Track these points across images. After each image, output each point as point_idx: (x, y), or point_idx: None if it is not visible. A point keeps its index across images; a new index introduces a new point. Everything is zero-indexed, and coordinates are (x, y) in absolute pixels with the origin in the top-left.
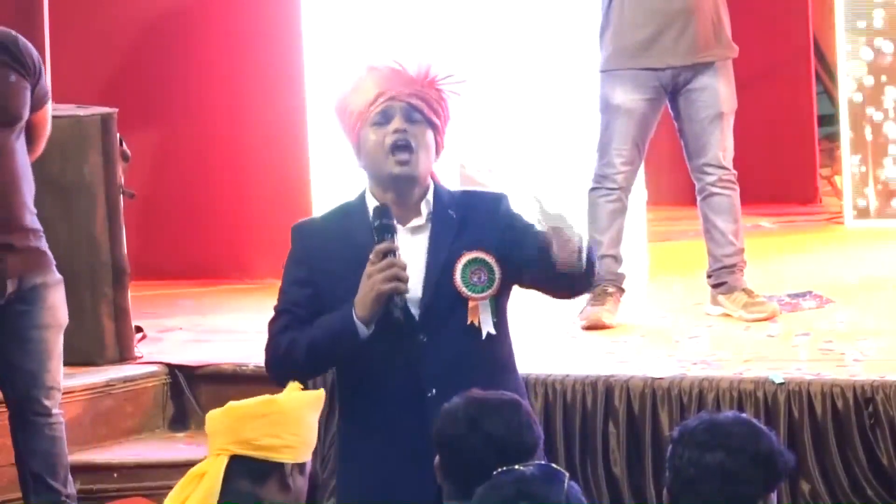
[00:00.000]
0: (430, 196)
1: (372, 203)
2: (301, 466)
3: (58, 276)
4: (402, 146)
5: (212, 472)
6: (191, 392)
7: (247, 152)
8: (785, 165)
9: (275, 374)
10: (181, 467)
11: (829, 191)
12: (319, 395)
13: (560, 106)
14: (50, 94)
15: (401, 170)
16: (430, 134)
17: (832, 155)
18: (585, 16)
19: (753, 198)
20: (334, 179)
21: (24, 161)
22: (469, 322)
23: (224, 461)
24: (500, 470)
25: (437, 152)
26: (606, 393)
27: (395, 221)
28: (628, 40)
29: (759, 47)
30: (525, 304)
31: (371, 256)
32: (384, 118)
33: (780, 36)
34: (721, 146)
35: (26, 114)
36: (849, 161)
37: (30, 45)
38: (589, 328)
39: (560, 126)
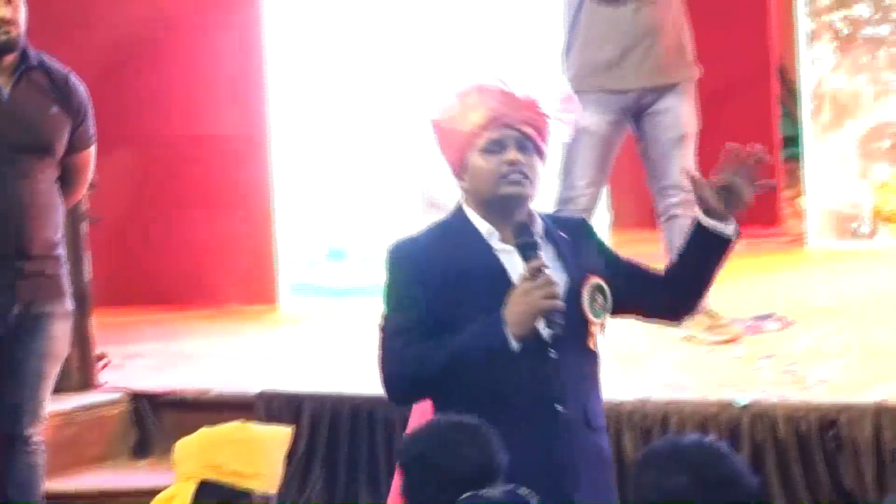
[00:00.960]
0: (535, 218)
1: (480, 222)
2: (267, 499)
3: (68, 307)
4: (518, 175)
5: (181, 497)
6: (154, 419)
7: (210, 179)
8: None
9: (399, 391)
10: (144, 495)
11: (792, 213)
12: (288, 431)
13: None
14: (94, 139)
15: (512, 189)
16: (539, 163)
17: (794, 176)
18: (548, 35)
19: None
20: (297, 206)
21: (50, 191)
22: (587, 345)
23: (193, 486)
24: (467, 495)
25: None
26: None
27: (537, 239)
28: (592, 61)
29: (721, 68)
30: None
31: (524, 273)
32: (498, 146)
33: (742, 56)
34: (683, 168)
35: (60, 149)
36: (811, 183)
37: (81, 86)
38: None
39: None
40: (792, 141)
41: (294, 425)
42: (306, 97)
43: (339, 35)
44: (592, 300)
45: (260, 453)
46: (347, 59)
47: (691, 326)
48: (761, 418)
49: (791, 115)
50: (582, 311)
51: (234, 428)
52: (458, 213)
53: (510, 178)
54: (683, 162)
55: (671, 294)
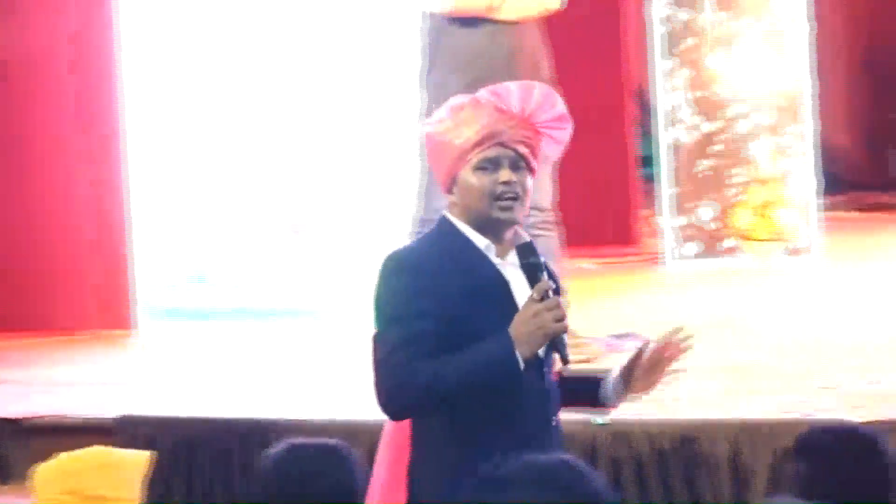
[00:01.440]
0: (520, 234)
1: (477, 237)
2: None
3: None
4: (510, 197)
5: None
6: (13, 444)
7: (66, 206)
8: (605, 206)
9: (404, 403)
10: None
11: (650, 231)
12: (147, 456)
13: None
14: None
15: (506, 216)
16: (530, 179)
17: (651, 196)
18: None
19: (574, 239)
20: (152, 233)
21: None
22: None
23: None
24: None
25: None
26: None
27: (538, 257)
28: (450, 85)
29: (578, 91)
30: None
31: (534, 295)
32: (491, 165)
33: (599, 80)
34: (541, 188)
35: None
36: (668, 202)
37: None
38: None
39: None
40: (648, 161)
41: (153, 450)
42: (167, 110)
43: (201, 51)
44: None
45: (119, 478)
46: (209, 75)
47: None
48: (620, 436)
49: (648, 136)
50: None
51: (93, 453)
52: (448, 226)
53: (503, 203)
54: (540, 182)
55: None
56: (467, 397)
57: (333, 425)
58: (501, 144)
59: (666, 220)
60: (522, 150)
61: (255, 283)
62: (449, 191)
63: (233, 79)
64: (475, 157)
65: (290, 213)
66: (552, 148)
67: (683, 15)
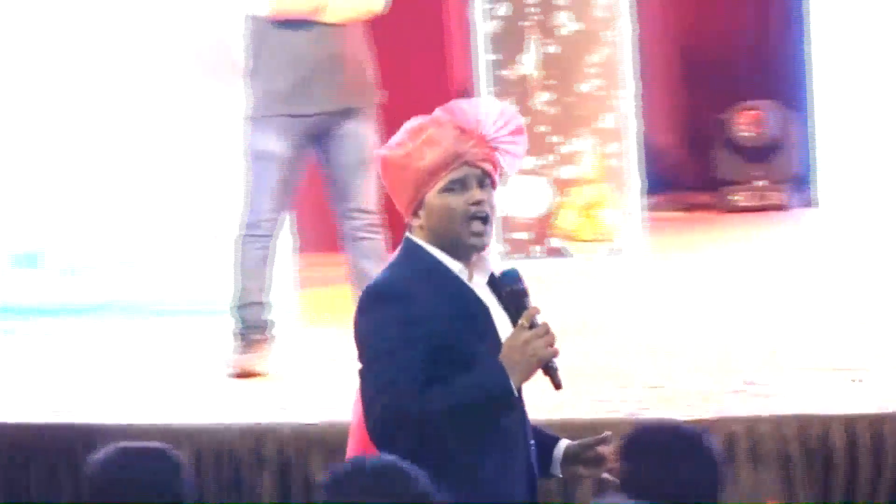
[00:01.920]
0: (488, 257)
1: (444, 258)
2: None
3: None
4: (481, 218)
5: None
6: None
7: None
8: None
9: (394, 435)
10: None
11: None
12: None
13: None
14: None
15: (478, 241)
16: (496, 197)
17: None
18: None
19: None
20: None
21: None
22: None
23: None
24: None
25: None
26: (257, 441)
27: (523, 284)
28: (276, 86)
29: (403, 92)
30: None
31: (523, 322)
32: (460, 186)
33: (423, 81)
34: (367, 191)
35: None
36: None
37: None
38: (239, 376)
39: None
40: None
41: None
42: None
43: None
44: None
45: None
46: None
47: None
48: None
49: None
50: None
51: None
52: (418, 251)
53: (475, 225)
54: (367, 185)
55: None
56: (462, 424)
57: (156, 429)
58: (467, 164)
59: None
60: (487, 167)
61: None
62: (414, 214)
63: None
64: (442, 180)
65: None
66: (510, 163)
67: (504, 12)
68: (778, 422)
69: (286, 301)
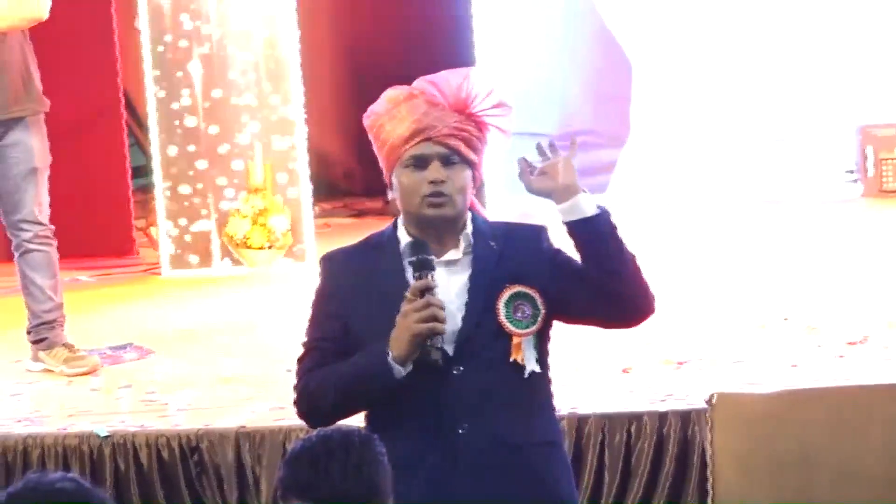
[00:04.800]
0: (468, 229)
1: (404, 236)
2: None
3: None
4: (436, 195)
5: None
6: None
7: None
8: (100, 218)
9: (304, 416)
10: None
11: (146, 242)
12: None
13: None
14: None
15: (435, 212)
16: (467, 174)
17: (147, 206)
18: None
19: (70, 251)
20: None
21: None
22: (512, 359)
23: None
24: None
25: (475, 186)
26: None
27: (432, 256)
28: None
29: (70, 101)
30: None
31: (408, 294)
32: (420, 162)
33: (91, 89)
34: (36, 202)
35: None
36: (163, 213)
37: None
38: None
39: None
40: (142, 171)
41: None
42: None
43: None
44: (512, 310)
45: None
46: None
47: (48, 360)
48: (123, 448)
49: (141, 146)
50: (499, 323)
51: None
52: (393, 225)
53: (431, 200)
54: (36, 196)
55: (603, 297)
56: (361, 404)
57: None
58: (430, 140)
59: (162, 229)
60: (453, 143)
61: None
62: (389, 186)
63: None
64: (405, 154)
65: None
66: (497, 136)
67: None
68: None
69: None
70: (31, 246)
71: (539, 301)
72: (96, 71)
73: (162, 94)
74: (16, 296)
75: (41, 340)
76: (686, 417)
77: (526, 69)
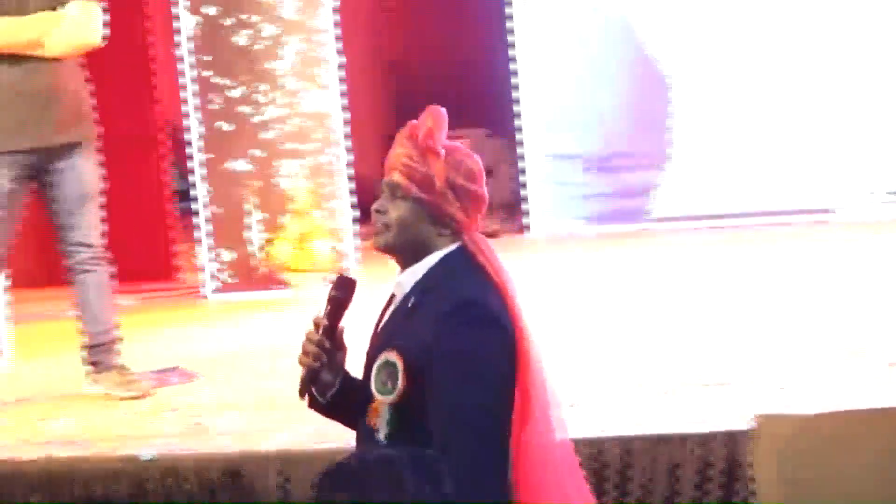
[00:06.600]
0: (404, 275)
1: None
2: None
3: None
4: (376, 224)
5: None
6: None
7: None
8: (143, 242)
9: None
10: None
11: (189, 266)
12: None
13: None
14: None
15: (375, 241)
16: (411, 210)
17: (189, 230)
18: None
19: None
20: None
21: None
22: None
23: None
24: None
25: (442, 223)
26: None
27: (343, 294)
28: (3, 123)
29: (115, 125)
30: None
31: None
32: (380, 191)
33: (134, 114)
34: (90, 225)
35: None
36: (206, 237)
37: None
38: None
39: None
40: (184, 195)
41: None
42: None
43: None
44: (378, 374)
45: None
46: None
47: (102, 382)
48: (168, 471)
49: (182, 171)
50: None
51: None
52: None
53: (376, 230)
54: (89, 219)
55: None
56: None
57: None
58: (386, 172)
59: (205, 254)
60: (395, 177)
61: None
62: None
63: None
64: None
65: None
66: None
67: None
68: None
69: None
70: (85, 268)
71: (400, 374)
72: (137, 95)
73: (200, 121)
74: (61, 320)
75: (96, 363)
76: (730, 439)
77: (566, 90)
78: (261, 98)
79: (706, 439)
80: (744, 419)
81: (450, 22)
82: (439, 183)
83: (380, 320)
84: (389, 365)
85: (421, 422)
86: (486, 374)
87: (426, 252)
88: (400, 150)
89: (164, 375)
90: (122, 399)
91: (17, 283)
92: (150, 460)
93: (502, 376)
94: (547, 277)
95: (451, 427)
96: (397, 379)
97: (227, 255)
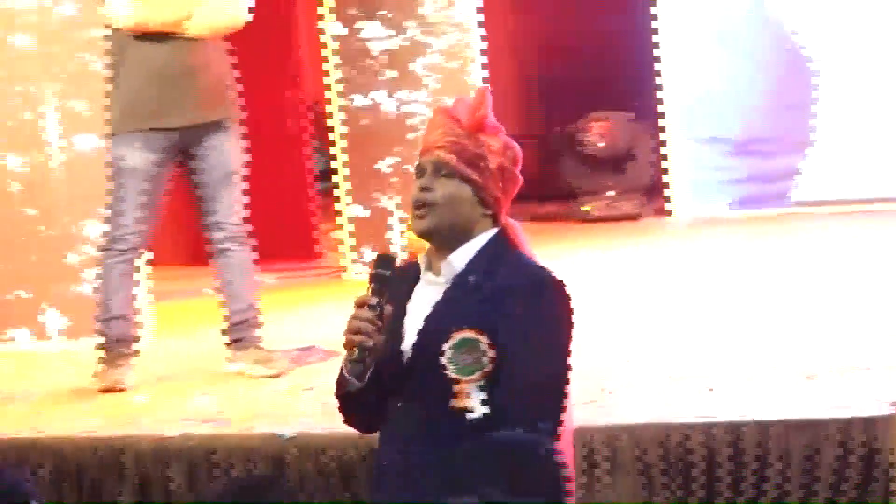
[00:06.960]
0: (456, 255)
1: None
2: None
3: None
4: (419, 205)
5: None
6: None
7: None
8: (285, 221)
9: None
10: None
11: (330, 246)
12: None
13: None
14: None
15: (415, 224)
16: (461, 189)
17: (330, 211)
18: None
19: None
20: None
21: None
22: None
23: None
24: None
25: (486, 205)
26: (116, 454)
27: (388, 272)
28: (138, 101)
29: (258, 105)
30: None
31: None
32: (418, 171)
33: (277, 94)
34: (232, 203)
35: None
36: (347, 218)
37: None
38: (106, 391)
39: None
40: (326, 175)
41: None
42: None
43: None
44: (457, 355)
45: None
46: None
47: (242, 360)
48: (306, 449)
49: (323, 151)
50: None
51: None
52: None
53: (416, 212)
54: (232, 197)
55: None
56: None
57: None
58: (427, 151)
59: (345, 234)
60: (442, 154)
61: None
62: None
63: None
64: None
65: None
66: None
67: (357, 31)
68: (636, 430)
69: (142, 314)
70: (227, 245)
71: (487, 350)
72: (280, 75)
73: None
74: (199, 298)
75: (236, 341)
76: (871, 424)
77: (708, 75)
78: (403, 96)
79: (845, 424)
80: (883, 405)
81: (594, 5)
82: (494, 163)
83: (400, 303)
84: (467, 343)
85: (491, 395)
86: (564, 344)
87: (467, 234)
88: (443, 129)
89: (305, 354)
90: (262, 377)
91: (159, 261)
92: (289, 439)
93: (571, 348)
94: (689, 260)
95: (527, 391)
96: (480, 355)
97: (368, 256)
